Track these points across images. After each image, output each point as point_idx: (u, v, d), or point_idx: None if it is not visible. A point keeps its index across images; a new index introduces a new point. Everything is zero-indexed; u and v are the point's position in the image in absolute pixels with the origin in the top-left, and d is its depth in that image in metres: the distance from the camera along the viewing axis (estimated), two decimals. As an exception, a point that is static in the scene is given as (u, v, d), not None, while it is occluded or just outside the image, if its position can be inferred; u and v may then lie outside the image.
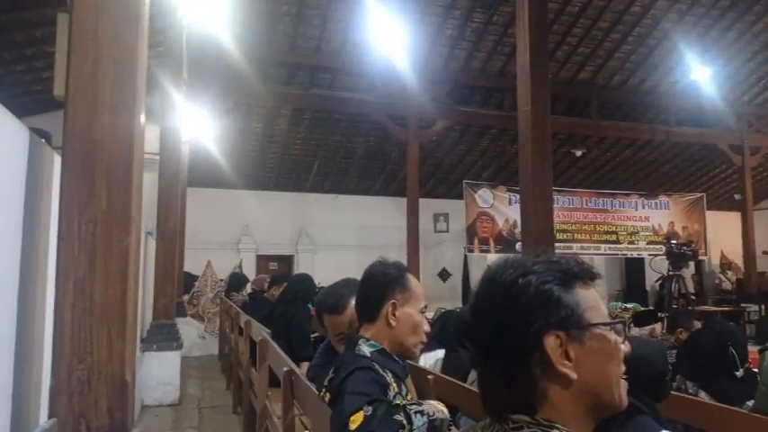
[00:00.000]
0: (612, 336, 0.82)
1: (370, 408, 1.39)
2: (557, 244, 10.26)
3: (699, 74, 10.10)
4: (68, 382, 1.70)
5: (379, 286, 1.68)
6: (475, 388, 2.53)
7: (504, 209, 11.18)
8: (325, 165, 11.18)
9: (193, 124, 8.18)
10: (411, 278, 1.71)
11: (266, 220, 11.27)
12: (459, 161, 11.88)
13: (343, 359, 1.66)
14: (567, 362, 0.78)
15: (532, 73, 5.41)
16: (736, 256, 13.05)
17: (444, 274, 12.67)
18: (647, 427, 1.86)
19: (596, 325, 0.81)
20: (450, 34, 9.25)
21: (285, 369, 2.46)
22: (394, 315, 1.64)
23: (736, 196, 12.85)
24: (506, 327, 0.79)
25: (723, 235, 13.36)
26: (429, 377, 2.93)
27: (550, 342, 0.78)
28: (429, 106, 9.58)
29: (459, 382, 2.74)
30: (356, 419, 1.39)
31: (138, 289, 5.13)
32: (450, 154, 11.60)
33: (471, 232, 10.98)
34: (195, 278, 9.44)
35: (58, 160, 2.08)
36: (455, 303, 8.82)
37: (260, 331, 3.78)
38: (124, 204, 1.83)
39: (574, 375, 0.78)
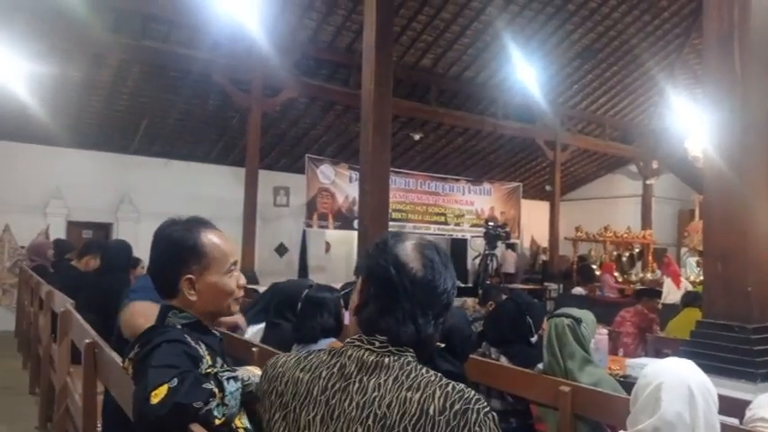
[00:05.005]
0: None
1: (176, 380, 1.29)
2: (391, 222, 10.69)
3: (524, 73, 11.10)
4: None
5: (170, 262, 1.50)
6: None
7: (345, 186, 11.34)
8: (155, 125, 10.23)
9: (-7, 64, 7.00)
10: (207, 238, 1.52)
11: (81, 183, 9.98)
12: (303, 135, 11.74)
13: (150, 332, 1.52)
14: None
15: (377, 54, 5.51)
16: (544, 241, 14.79)
17: (282, 249, 12.52)
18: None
19: None
20: (299, 1, 9.02)
21: (87, 341, 2.22)
22: (193, 289, 1.49)
23: (547, 187, 14.51)
24: (445, 285, 1.10)
25: (534, 221, 15.01)
26: (253, 349, 2.87)
27: None
28: (275, 74, 9.25)
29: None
30: (159, 393, 1.27)
31: None
32: (294, 126, 11.40)
33: (311, 207, 10.97)
34: (-11, 244, 8.17)
35: None
36: (291, 278, 8.77)
37: (63, 302, 3.37)
38: None
39: None
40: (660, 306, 5.91)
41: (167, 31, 8.63)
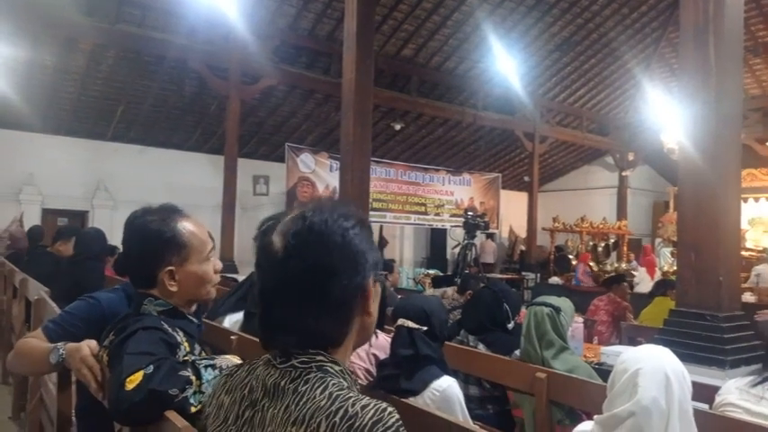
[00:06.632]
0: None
1: (152, 366, 1.28)
2: (372, 212, 10.70)
3: (504, 65, 11.15)
4: None
5: (149, 256, 1.47)
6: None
7: (325, 175, 11.27)
8: (131, 112, 10.04)
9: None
10: (185, 227, 1.50)
11: (56, 169, 9.78)
12: (283, 123, 11.63)
13: (126, 319, 1.50)
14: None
15: (358, 42, 5.48)
16: (522, 231, 14.94)
17: (261, 238, 12.44)
18: (432, 375, 2.05)
19: (382, 274, 0.98)
20: (278, -12, 8.92)
21: (61, 330, 2.18)
22: (173, 280, 1.47)
23: (526, 178, 14.63)
24: (344, 269, 0.86)
25: (513, 211, 15.14)
26: (232, 338, 2.86)
27: (371, 283, 0.92)
28: (253, 61, 9.13)
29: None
30: (134, 379, 1.26)
31: None
32: (273, 114, 11.28)
33: (291, 196, 10.89)
34: (-41, 231, 7.95)
35: None
36: (269, 267, 8.72)
37: (37, 290, 3.32)
38: None
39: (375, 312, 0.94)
40: (631, 291, 6.00)
41: (142, 15, 8.45)
